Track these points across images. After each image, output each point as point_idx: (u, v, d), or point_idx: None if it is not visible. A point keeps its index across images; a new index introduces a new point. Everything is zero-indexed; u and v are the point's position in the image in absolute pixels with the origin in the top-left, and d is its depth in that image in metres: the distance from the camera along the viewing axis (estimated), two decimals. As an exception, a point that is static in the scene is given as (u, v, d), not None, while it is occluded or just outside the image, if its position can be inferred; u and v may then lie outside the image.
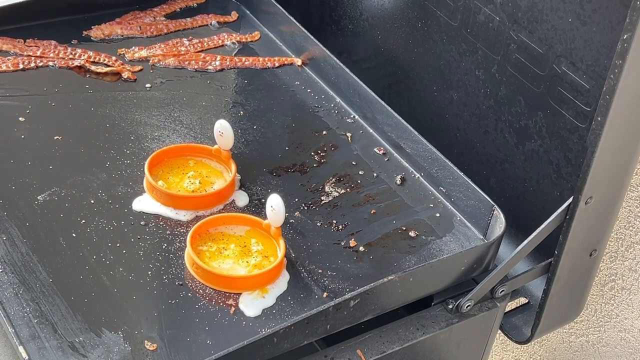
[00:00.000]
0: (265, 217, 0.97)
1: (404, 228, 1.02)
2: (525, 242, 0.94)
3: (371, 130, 1.16)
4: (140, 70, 1.21)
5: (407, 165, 1.11)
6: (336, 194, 1.06)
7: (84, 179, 1.02)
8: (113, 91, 1.17)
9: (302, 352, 0.90)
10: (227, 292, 0.91)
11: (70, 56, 1.20)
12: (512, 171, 1.08)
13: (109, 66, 1.19)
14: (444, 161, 1.05)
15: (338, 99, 1.21)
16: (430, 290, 0.97)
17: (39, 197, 0.99)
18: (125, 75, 1.19)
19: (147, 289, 0.90)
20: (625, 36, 0.78)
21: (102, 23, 1.27)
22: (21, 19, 1.23)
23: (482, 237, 1.02)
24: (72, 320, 0.86)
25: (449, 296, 0.99)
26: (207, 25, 1.32)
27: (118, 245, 0.94)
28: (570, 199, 0.91)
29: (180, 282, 0.92)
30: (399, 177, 1.09)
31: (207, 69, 1.23)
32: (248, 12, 1.35)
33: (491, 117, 1.09)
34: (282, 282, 0.93)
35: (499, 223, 0.98)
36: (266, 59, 1.26)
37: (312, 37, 1.23)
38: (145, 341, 0.85)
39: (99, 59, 1.20)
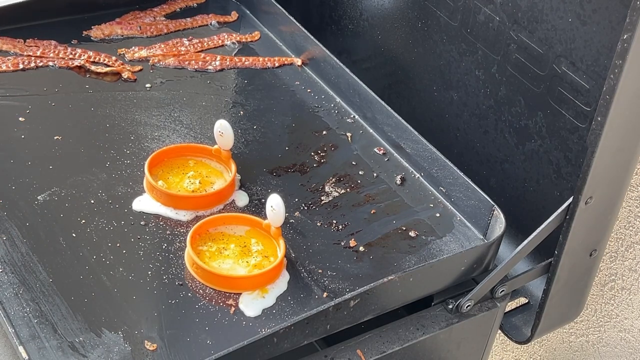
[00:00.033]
0: (265, 217, 0.97)
1: (404, 228, 1.02)
2: (525, 242, 0.94)
3: (371, 130, 1.16)
4: (140, 70, 1.21)
5: (407, 165, 1.11)
6: (336, 194, 1.06)
7: (84, 179, 1.02)
8: (113, 91, 1.17)
9: (302, 352, 0.90)
10: (227, 292, 0.91)
11: (70, 56, 1.20)
12: (512, 171, 1.08)
13: (109, 66, 1.19)
14: (444, 161, 1.05)
15: (338, 99, 1.21)
16: (430, 290, 0.97)
17: (39, 197, 0.99)
18: (125, 75, 1.19)
19: (147, 289, 0.90)
20: (625, 36, 0.78)
21: (102, 23, 1.27)
22: (21, 19, 1.23)
23: (482, 237, 1.02)
24: (72, 320, 0.86)
25: (449, 296, 0.99)
26: (207, 25, 1.32)
27: (118, 245, 0.94)
28: (570, 199, 0.91)
29: (180, 282, 0.92)
30: (399, 177, 1.09)
31: (207, 69, 1.23)
32: (248, 12, 1.35)
33: (491, 117, 1.09)
34: (282, 282, 0.93)
35: (499, 223, 0.98)
36: (266, 59, 1.26)
37: (312, 37, 1.23)
38: (145, 341, 0.85)
39: (99, 59, 1.20)
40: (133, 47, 1.24)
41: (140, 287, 0.90)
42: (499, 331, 1.06)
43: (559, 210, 0.92)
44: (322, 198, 1.05)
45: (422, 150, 1.08)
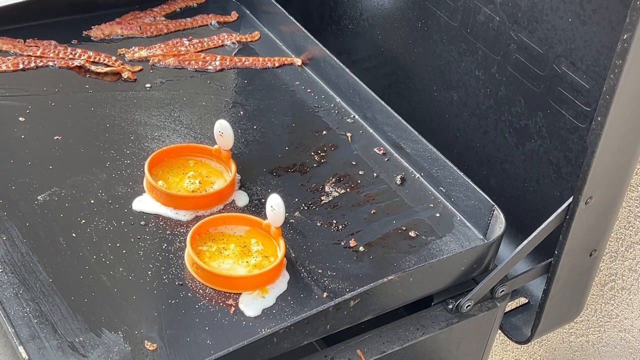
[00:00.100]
0: (265, 217, 0.97)
1: (404, 228, 1.02)
2: (525, 242, 0.94)
3: (371, 130, 1.16)
4: (140, 70, 1.21)
5: (407, 165, 1.11)
6: (336, 194, 1.06)
7: (84, 179, 1.02)
8: (113, 91, 1.17)
9: (302, 352, 0.90)
10: (227, 292, 0.91)
11: (70, 56, 1.20)
12: (512, 171, 1.08)
13: (109, 66, 1.19)
14: (444, 161, 1.05)
15: (338, 99, 1.21)
16: (430, 290, 0.97)
17: (39, 197, 0.99)
18: (125, 75, 1.19)
19: (147, 289, 0.90)
20: (625, 36, 0.78)
21: (102, 23, 1.27)
22: (21, 19, 1.23)
23: (482, 237, 1.02)
24: (72, 320, 0.86)
25: (449, 296, 0.99)
26: (207, 25, 1.32)
27: (118, 245, 0.94)
28: (570, 199, 0.91)
29: (180, 282, 0.92)
30: (399, 177, 1.09)
31: (207, 69, 1.23)
32: (248, 12, 1.35)
33: (491, 117, 1.09)
34: (282, 282, 0.93)
35: (499, 223, 0.98)
36: (266, 59, 1.26)
37: (312, 37, 1.23)
38: (145, 341, 0.85)
39: (99, 59, 1.20)
40: (133, 47, 1.24)
41: (140, 287, 0.90)
42: (499, 331, 1.06)
43: (559, 210, 0.92)
44: (322, 198, 1.05)
45: (422, 150, 1.08)
